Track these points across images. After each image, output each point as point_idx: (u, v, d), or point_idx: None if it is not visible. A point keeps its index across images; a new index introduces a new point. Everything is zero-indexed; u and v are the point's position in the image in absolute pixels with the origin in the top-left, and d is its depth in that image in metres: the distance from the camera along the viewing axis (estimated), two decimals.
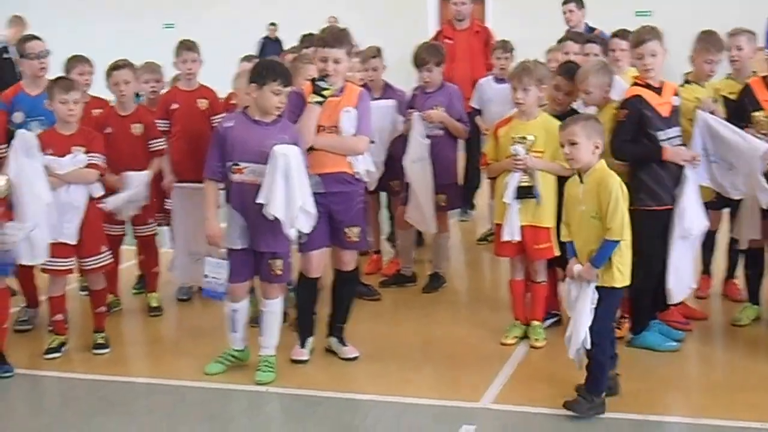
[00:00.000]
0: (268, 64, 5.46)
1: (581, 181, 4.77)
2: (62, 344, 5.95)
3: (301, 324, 5.71)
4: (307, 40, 7.00)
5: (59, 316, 5.97)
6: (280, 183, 5.00)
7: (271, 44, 19.26)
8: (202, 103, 6.61)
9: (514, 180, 5.51)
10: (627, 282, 4.74)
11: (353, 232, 5.55)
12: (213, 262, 5.34)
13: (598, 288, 4.64)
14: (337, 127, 5.41)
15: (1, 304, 5.62)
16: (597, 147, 4.71)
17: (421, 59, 6.79)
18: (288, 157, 5.02)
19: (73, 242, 5.68)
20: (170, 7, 20.31)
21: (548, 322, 5.93)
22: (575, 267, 4.70)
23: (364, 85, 6.83)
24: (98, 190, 5.82)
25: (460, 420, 4.67)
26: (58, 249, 5.58)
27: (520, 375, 5.31)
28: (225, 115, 6.19)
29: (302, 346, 5.64)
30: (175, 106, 6.67)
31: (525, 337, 5.78)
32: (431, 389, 5.11)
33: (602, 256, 4.63)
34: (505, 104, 6.46)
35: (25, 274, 6.37)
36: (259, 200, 5.05)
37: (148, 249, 6.81)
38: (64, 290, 5.96)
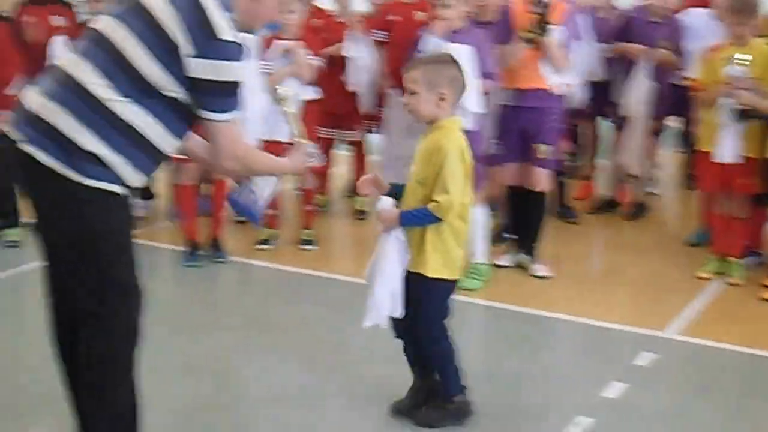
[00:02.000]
0: None
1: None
2: (273, 237, 6.35)
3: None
4: None
5: (272, 211, 6.36)
6: None
7: None
8: (419, 15, 6.72)
9: (730, 100, 5.29)
10: (446, 275, 3.69)
11: (544, 149, 5.58)
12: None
13: (411, 273, 3.68)
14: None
15: (218, 195, 6.06)
16: (442, 98, 3.61)
17: None
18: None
19: (286, 140, 5.99)
20: None
21: (748, 260, 5.78)
22: (383, 200, 3.76)
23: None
24: (312, 93, 6.09)
25: (641, 346, 4.66)
26: (272, 146, 5.86)
27: (712, 310, 5.22)
28: None
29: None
30: (393, 17, 6.83)
31: (722, 272, 5.67)
32: (617, 314, 5.12)
33: (412, 218, 3.63)
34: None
35: None
36: None
37: (356, 153, 7.09)
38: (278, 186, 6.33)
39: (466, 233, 3.74)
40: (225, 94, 3.03)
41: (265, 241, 6.32)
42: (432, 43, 5.35)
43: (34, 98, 2.98)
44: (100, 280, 3.02)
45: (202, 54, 2.92)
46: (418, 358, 3.87)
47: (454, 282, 3.74)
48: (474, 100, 5.25)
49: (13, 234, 6.35)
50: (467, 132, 5.25)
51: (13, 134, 2.95)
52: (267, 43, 5.96)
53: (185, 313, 5.26)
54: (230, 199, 3.59)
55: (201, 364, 4.46)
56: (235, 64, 3.00)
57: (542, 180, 5.69)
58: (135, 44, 2.91)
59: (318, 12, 6.93)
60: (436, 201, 3.55)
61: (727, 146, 5.38)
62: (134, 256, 3.11)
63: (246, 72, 5.45)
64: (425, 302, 3.71)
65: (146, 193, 7.25)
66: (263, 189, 3.53)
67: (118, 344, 3.13)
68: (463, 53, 5.18)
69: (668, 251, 6.26)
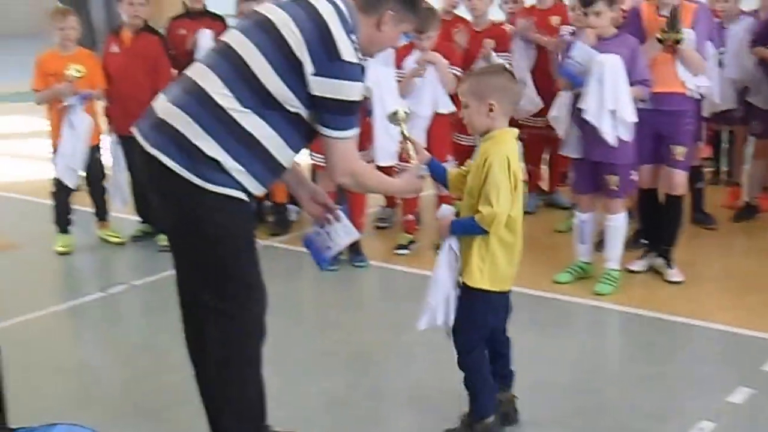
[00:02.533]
0: None
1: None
2: (411, 242, 6.49)
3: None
4: None
5: (410, 216, 6.52)
6: (594, 89, 5.17)
7: None
8: (555, 20, 6.78)
9: None
10: (486, 286, 3.61)
11: (679, 151, 5.52)
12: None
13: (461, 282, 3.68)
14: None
15: (358, 201, 6.21)
16: (492, 109, 3.56)
17: None
18: (604, 65, 5.15)
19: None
20: None
21: None
22: (443, 207, 3.76)
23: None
24: (446, 106, 6.19)
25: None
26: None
27: None
28: None
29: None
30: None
31: None
32: (748, 320, 5.01)
33: (462, 227, 3.61)
34: None
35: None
36: (579, 105, 5.28)
37: None
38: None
39: (517, 246, 3.66)
40: (344, 113, 3.15)
41: (403, 246, 6.46)
42: (580, 50, 5.34)
43: (163, 105, 3.17)
44: (222, 280, 3.19)
45: (323, 73, 3.06)
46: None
47: (496, 294, 3.67)
48: (629, 110, 5.21)
49: (165, 239, 6.70)
50: (624, 142, 5.25)
51: (141, 139, 3.17)
52: (403, 52, 6.10)
53: (320, 314, 5.49)
54: (306, 238, 3.72)
55: (332, 363, 4.64)
56: (355, 84, 3.12)
57: (678, 182, 5.63)
58: (260, 58, 3.07)
59: (458, 20, 7.05)
60: (480, 210, 3.51)
61: None
62: (255, 257, 3.29)
63: (375, 88, 5.64)
64: (462, 310, 3.67)
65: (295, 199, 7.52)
66: (342, 238, 3.65)
67: (241, 342, 3.28)
68: (611, 62, 5.17)
69: None
